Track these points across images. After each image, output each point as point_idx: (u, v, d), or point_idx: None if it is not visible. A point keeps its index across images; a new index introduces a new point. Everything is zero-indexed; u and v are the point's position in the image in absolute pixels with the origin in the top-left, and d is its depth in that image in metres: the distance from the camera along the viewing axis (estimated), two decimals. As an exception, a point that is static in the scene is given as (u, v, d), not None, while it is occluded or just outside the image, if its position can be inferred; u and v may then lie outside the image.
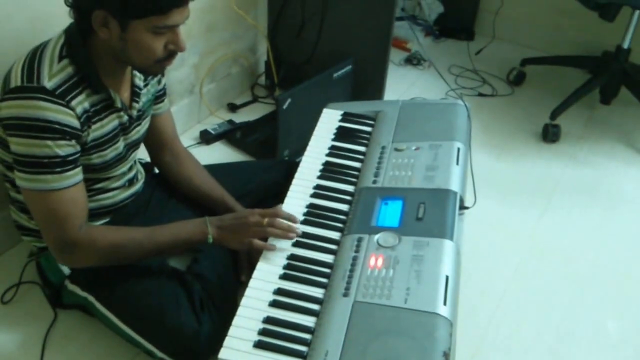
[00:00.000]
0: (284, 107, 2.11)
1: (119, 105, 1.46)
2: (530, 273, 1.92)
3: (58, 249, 1.40)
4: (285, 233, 1.43)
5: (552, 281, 1.90)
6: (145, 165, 1.84)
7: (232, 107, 2.61)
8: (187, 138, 2.41)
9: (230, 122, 2.48)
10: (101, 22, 1.31)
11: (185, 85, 2.39)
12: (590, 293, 1.87)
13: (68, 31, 1.38)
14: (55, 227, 1.37)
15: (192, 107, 2.46)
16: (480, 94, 2.86)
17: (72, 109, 1.33)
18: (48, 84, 1.30)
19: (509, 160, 2.43)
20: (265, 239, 1.44)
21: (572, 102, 2.55)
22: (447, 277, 1.28)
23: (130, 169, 1.66)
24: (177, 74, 2.32)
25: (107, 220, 1.61)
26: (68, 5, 1.35)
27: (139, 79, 1.55)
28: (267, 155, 2.27)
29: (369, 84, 2.46)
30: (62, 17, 1.38)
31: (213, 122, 2.50)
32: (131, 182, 1.68)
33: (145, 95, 1.59)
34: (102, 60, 1.40)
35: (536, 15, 3.16)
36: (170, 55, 1.41)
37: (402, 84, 2.89)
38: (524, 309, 1.81)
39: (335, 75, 2.30)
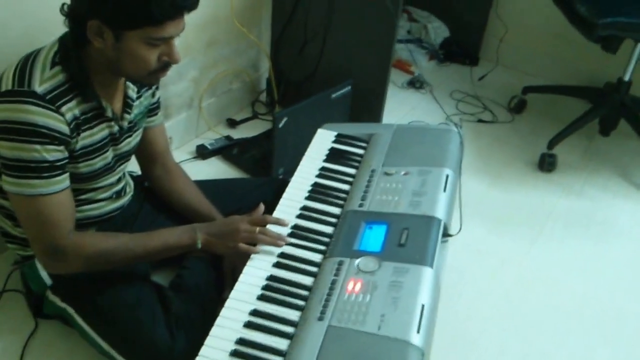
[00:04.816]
0: (281, 125, 2.12)
1: (109, 115, 1.47)
2: (516, 302, 1.91)
3: (46, 255, 1.41)
4: (274, 241, 1.45)
5: (538, 311, 1.88)
6: (135, 178, 1.85)
7: (232, 123, 2.62)
8: (183, 152, 2.41)
9: (227, 137, 2.49)
10: (96, 31, 1.32)
11: (184, 99, 2.40)
12: (577, 325, 1.85)
13: (62, 39, 1.40)
14: (43, 233, 1.37)
15: (191, 121, 2.47)
16: (480, 120, 2.86)
17: (62, 115, 1.33)
18: (38, 88, 1.31)
19: (503, 188, 2.42)
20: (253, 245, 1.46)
21: (570, 132, 2.55)
22: (423, 306, 1.27)
23: (118, 180, 1.66)
24: (176, 87, 2.33)
25: (92, 231, 1.62)
26: (63, 14, 1.37)
27: (132, 91, 1.56)
28: (263, 172, 2.28)
29: (367, 106, 2.47)
30: (57, 26, 1.39)
31: (211, 137, 2.50)
32: (119, 194, 1.68)
33: (138, 107, 1.60)
34: (95, 70, 1.41)
35: (540, 44, 3.16)
36: (164, 66, 1.42)
37: (402, 107, 2.89)
38: (508, 337, 1.79)
39: (333, 95, 2.30)
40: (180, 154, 2.39)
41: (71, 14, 1.35)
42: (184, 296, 1.54)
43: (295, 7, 2.44)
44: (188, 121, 2.45)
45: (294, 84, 2.61)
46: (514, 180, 2.48)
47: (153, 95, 1.69)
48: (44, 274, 1.55)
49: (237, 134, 2.55)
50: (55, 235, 1.37)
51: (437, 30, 3.39)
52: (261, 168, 2.30)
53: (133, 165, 1.77)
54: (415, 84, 3.12)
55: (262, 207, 1.57)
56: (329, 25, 2.39)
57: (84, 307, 1.51)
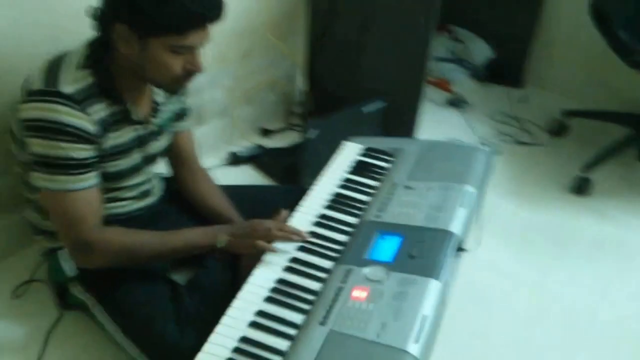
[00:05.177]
0: (311, 136, 2.15)
1: (135, 118, 1.52)
2: (532, 321, 1.88)
3: (74, 249, 1.46)
4: (290, 236, 1.49)
5: (552, 333, 1.85)
6: (165, 180, 1.90)
7: (265, 132, 2.67)
8: (215, 158, 2.47)
9: (259, 146, 2.53)
10: (122, 36, 1.37)
11: (218, 107, 2.46)
12: (593, 350, 1.81)
13: (91, 43, 1.45)
14: (70, 228, 1.43)
15: (224, 128, 2.52)
16: (518, 142, 2.84)
17: (88, 115, 1.39)
18: (66, 89, 1.37)
19: (533, 209, 2.39)
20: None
21: (606, 157, 2.51)
22: (424, 317, 1.27)
23: (146, 181, 1.71)
24: (210, 94, 2.39)
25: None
26: (92, 18, 1.42)
27: (159, 96, 1.61)
28: (291, 182, 2.31)
29: (401, 122, 2.47)
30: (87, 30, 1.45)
31: (243, 145, 2.55)
32: (146, 194, 1.73)
33: (165, 112, 1.65)
34: (122, 74, 1.46)
35: (583, 68, 3.12)
36: (188, 75, 1.46)
37: (440, 125, 2.89)
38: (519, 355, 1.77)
39: (365, 110, 2.32)
40: (213, 159, 2.44)
41: (99, 18, 1.41)
42: (198, 295, 1.57)
43: (330, 21, 2.48)
44: (221, 128, 2.51)
45: (329, 96, 2.63)
46: (546, 203, 2.45)
47: (182, 101, 1.74)
48: (66, 266, 1.61)
49: (270, 143, 2.60)
50: (81, 230, 1.42)
51: (480, 51, 3.38)
52: (290, 177, 2.33)
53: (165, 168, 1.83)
54: (455, 103, 3.12)
55: (284, 211, 1.59)
56: (363, 40, 2.42)
57: (103, 299, 1.56)
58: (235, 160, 2.46)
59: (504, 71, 3.34)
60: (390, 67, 2.41)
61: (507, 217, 2.31)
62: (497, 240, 2.15)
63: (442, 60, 3.41)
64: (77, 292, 1.61)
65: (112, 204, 1.64)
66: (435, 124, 2.84)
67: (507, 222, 2.28)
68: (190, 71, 1.45)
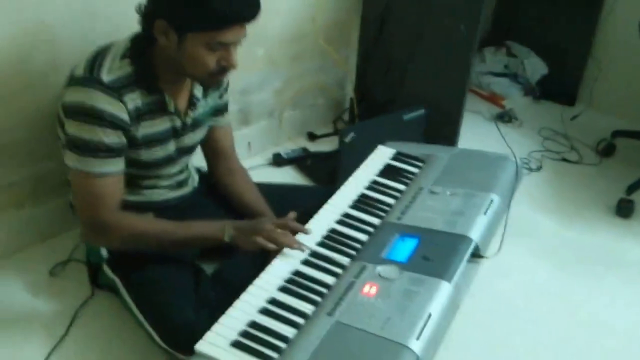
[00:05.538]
0: (347, 139, 2.19)
1: (171, 109, 1.60)
2: (564, 341, 1.84)
3: (88, 227, 1.55)
4: (290, 242, 1.52)
5: (585, 354, 1.81)
6: (203, 174, 1.97)
7: (312, 136, 2.72)
8: (260, 158, 2.54)
9: (304, 149, 2.59)
10: (162, 30, 1.46)
11: (266, 108, 2.53)
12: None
13: (135, 36, 1.55)
14: (89, 207, 1.52)
15: (271, 130, 2.59)
16: (565, 160, 2.81)
17: (124, 103, 1.48)
18: (105, 77, 1.46)
19: (573, 228, 2.35)
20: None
21: (652, 180, 2.46)
22: (429, 315, 1.30)
23: (181, 171, 1.79)
24: (258, 96, 2.46)
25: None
26: (138, 14, 1.52)
27: (198, 90, 1.69)
28: (331, 185, 2.35)
29: (442, 131, 2.49)
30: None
31: (289, 147, 2.61)
32: (180, 184, 1.81)
33: (203, 107, 1.73)
34: (161, 67, 1.54)
35: (638, 89, 3.06)
36: (222, 70, 1.53)
37: (486, 139, 2.87)
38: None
39: (405, 117, 2.35)
40: (257, 159, 2.52)
41: (143, 14, 1.50)
42: (221, 286, 1.63)
43: (381, 32, 2.52)
44: (268, 130, 2.58)
45: (376, 105, 2.67)
46: (587, 223, 2.40)
47: (220, 97, 1.81)
48: (102, 249, 1.70)
49: (315, 147, 2.65)
50: (98, 211, 1.51)
51: (535, 67, 3.36)
52: (330, 181, 2.38)
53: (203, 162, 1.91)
54: (504, 117, 3.10)
55: (292, 214, 1.63)
56: (411, 50, 2.45)
57: (130, 280, 1.64)
58: (279, 161, 2.52)
59: (557, 88, 3.30)
60: (434, 77, 2.44)
61: (546, 234, 2.29)
62: (535, 257, 2.14)
63: (496, 75, 3.40)
64: (109, 272, 1.69)
65: (148, 191, 1.72)
66: (481, 136, 2.84)
67: (546, 239, 2.25)
68: (224, 67, 1.52)
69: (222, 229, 1.56)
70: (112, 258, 1.69)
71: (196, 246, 1.65)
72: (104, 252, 1.70)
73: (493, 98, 3.26)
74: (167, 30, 1.45)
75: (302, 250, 1.53)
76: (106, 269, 1.70)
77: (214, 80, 1.57)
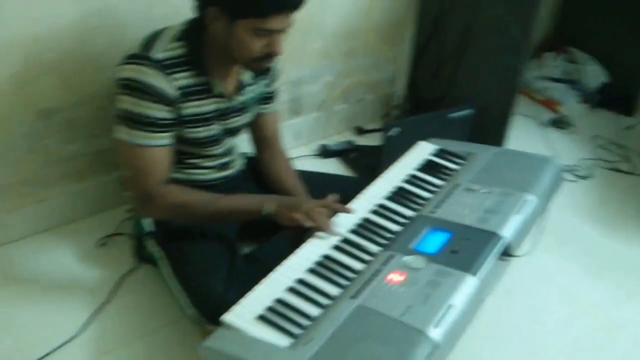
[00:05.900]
0: (390, 134, 2.23)
1: (217, 92, 1.68)
2: (593, 349, 1.84)
3: (137, 197, 1.63)
4: (326, 224, 1.56)
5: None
6: (249, 159, 2.04)
7: (359, 131, 2.76)
8: (307, 149, 2.60)
9: (349, 142, 2.63)
10: (213, 16, 1.53)
11: (316, 100, 2.59)
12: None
13: (188, 21, 1.63)
14: (137, 178, 1.60)
15: (319, 122, 2.65)
16: (616, 169, 2.77)
17: (172, 81, 1.56)
18: (157, 55, 1.55)
19: (615, 238, 2.33)
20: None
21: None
22: (450, 306, 1.33)
23: (225, 153, 1.86)
24: (310, 88, 2.52)
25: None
26: (192, 0, 1.59)
27: (246, 76, 1.76)
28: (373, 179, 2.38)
29: (490, 132, 2.50)
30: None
31: (336, 140, 2.66)
32: (224, 166, 1.88)
33: (251, 92, 1.80)
34: (211, 50, 1.62)
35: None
36: (267, 56, 1.59)
37: (535, 143, 2.87)
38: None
39: (451, 115, 2.37)
40: (304, 149, 2.58)
41: (197, 0, 1.57)
42: (254, 265, 1.69)
43: (434, 31, 2.55)
44: (317, 121, 2.63)
45: (426, 103, 2.70)
46: (628, 234, 2.37)
47: (268, 85, 1.87)
48: (144, 222, 1.79)
49: (362, 141, 2.69)
50: (146, 182, 1.59)
51: (594, 74, 3.31)
52: (372, 174, 2.40)
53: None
54: (558, 123, 3.08)
55: (332, 196, 1.68)
56: (463, 50, 2.47)
57: (169, 253, 1.72)
58: (325, 152, 2.57)
59: (616, 97, 3.25)
60: (485, 77, 2.45)
61: (585, 241, 2.27)
62: (568, 262, 2.13)
63: (554, 81, 3.37)
64: (150, 245, 1.78)
65: (193, 171, 1.80)
66: (530, 140, 2.83)
67: (584, 245, 2.24)
68: (269, 54, 1.58)
69: (262, 202, 1.62)
70: (155, 232, 1.77)
71: (237, 219, 1.72)
72: (148, 226, 1.78)
73: (548, 103, 3.23)
74: (218, 16, 1.52)
75: (336, 235, 1.57)
76: (149, 242, 1.79)
77: (259, 65, 1.63)
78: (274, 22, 1.51)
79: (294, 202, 1.63)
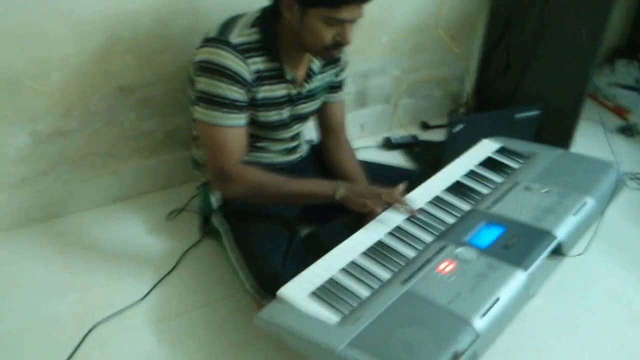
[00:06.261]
0: (455, 130, 2.25)
1: (288, 78, 1.74)
2: (633, 356, 1.84)
3: (215, 177, 1.71)
4: (403, 202, 1.64)
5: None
6: (313, 147, 2.11)
7: (424, 126, 2.79)
8: (371, 140, 2.65)
9: (414, 136, 2.66)
10: (287, 5, 1.60)
11: (383, 93, 2.63)
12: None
13: (264, 9, 1.70)
14: (216, 157, 1.68)
15: (385, 115, 2.69)
16: (683, 181, 2.70)
17: (248, 65, 1.64)
18: (234, 40, 1.62)
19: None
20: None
21: None
22: (497, 299, 1.36)
23: (292, 139, 1.93)
24: (377, 81, 2.56)
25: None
26: None
27: (315, 65, 1.82)
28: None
29: (556, 134, 2.49)
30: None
31: (400, 133, 2.70)
32: (290, 151, 1.95)
33: (319, 81, 1.86)
34: (284, 38, 1.69)
35: None
36: (336, 45, 1.65)
37: (601, 149, 2.81)
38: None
39: (517, 115, 2.37)
40: (368, 140, 2.62)
41: None
42: (312, 246, 1.75)
43: (505, 31, 2.55)
44: (382, 114, 2.68)
45: (493, 102, 2.70)
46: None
47: (337, 75, 1.93)
48: (212, 199, 1.88)
49: (426, 136, 2.72)
50: (224, 161, 1.67)
51: (670, 83, 3.24)
52: (434, 169, 2.43)
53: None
54: (627, 131, 3.02)
55: (402, 185, 1.73)
56: (533, 52, 2.46)
57: (232, 228, 1.80)
58: (388, 144, 2.61)
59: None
60: (553, 80, 2.43)
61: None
62: (620, 267, 2.11)
63: (625, 88, 3.31)
64: (216, 221, 1.87)
65: (259, 154, 1.88)
66: (597, 146, 2.76)
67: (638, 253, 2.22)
68: (339, 42, 1.63)
69: (334, 187, 1.68)
70: (221, 209, 1.86)
71: (308, 201, 1.78)
72: (215, 203, 1.87)
73: (618, 110, 3.18)
74: (292, 5, 1.59)
75: (410, 211, 1.63)
76: (215, 218, 1.88)
77: (328, 53, 1.69)
78: (345, 12, 1.56)
79: (364, 190, 1.69)
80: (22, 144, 1.95)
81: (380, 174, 2.04)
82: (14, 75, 1.84)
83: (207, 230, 1.97)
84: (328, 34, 1.61)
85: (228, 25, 1.66)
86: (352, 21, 1.61)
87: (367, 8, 1.61)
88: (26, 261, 1.93)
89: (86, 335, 1.69)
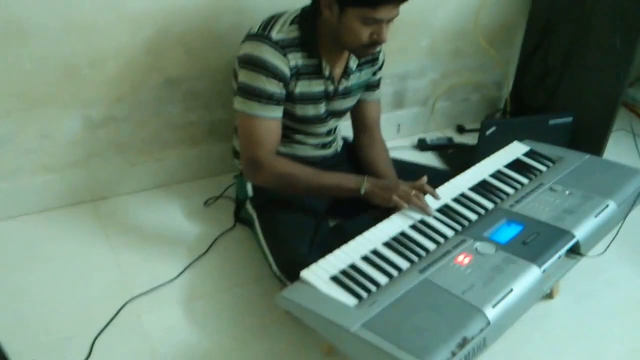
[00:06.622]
0: (487, 133, 2.30)
1: (326, 74, 1.83)
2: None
3: (247, 165, 1.80)
4: (423, 205, 1.69)
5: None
6: (347, 143, 2.19)
7: (460, 129, 2.84)
8: (406, 141, 2.71)
9: (449, 139, 2.72)
10: (327, 4, 1.69)
11: (420, 96, 2.69)
12: None
13: (304, 8, 1.80)
14: (250, 146, 1.77)
15: (421, 116, 2.75)
16: None
17: (287, 60, 1.73)
18: (275, 35, 1.72)
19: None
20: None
21: None
22: (510, 290, 1.42)
23: (327, 134, 2.02)
24: (415, 83, 2.63)
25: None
26: None
27: (353, 63, 1.90)
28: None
29: (588, 141, 2.51)
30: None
31: (435, 135, 2.76)
32: (325, 146, 2.04)
33: (356, 79, 1.94)
34: (323, 35, 1.77)
35: None
36: (373, 44, 1.73)
37: (633, 158, 2.81)
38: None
39: (551, 122, 2.41)
40: (403, 141, 2.69)
41: None
42: (337, 237, 1.82)
43: (542, 40, 2.59)
44: (418, 116, 2.74)
45: (529, 109, 2.74)
46: None
47: (374, 74, 2.01)
48: (248, 187, 1.97)
49: (460, 139, 2.77)
50: (257, 150, 1.76)
51: None
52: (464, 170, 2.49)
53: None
54: (663, 143, 3.02)
55: (425, 177, 1.80)
56: (569, 60, 2.50)
57: (264, 216, 1.89)
58: (423, 146, 2.68)
59: None
60: (588, 90, 2.47)
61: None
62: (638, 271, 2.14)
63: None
64: (249, 208, 1.97)
65: (296, 145, 1.97)
66: (628, 155, 2.77)
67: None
68: (375, 41, 1.71)
69: (360, 181, 1.76)
70: (255, 197, 1.96)
71: (335, 194, 1.84)
72: (249, 191, 1.97)
73: (658, 120, 3.17)
74: (331, 4, 1.67)
75: (430, 215, 1.68)
76: (248, 205, 1.98)
77: (365, 51, 1.77)
78: (383, 12, 1.64)
79: (389, 184, 1.75)
80: (75, 127, 2.08)
81: (409, 172, 2.10)
82: (73, 62, 1.96)
83: (241, 217, 2.08)
84: (365, 33, 1.69)
85: (270, 22, 1.76)
86: (389, 20, 1.68)
87: (407, 11, 1.68)
88: (73, 237, 2.06)
89: (121, 307, 1.80)
